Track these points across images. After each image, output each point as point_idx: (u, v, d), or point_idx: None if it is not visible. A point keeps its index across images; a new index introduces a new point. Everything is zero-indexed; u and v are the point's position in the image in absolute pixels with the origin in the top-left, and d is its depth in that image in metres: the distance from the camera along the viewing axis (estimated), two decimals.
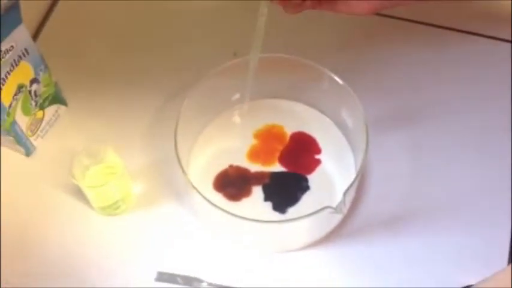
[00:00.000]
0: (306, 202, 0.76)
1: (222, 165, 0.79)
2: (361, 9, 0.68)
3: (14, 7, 0.71)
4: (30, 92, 0.78)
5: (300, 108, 0.84)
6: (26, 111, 0.78)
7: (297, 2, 0.67)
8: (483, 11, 0.93)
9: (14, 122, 0.77)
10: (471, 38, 0.91)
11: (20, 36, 0.73)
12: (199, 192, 0.70)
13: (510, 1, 0.91)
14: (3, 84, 0.73)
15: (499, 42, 0.91)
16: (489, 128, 0.83)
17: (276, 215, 0.76)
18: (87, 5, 0.95)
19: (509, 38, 0.90)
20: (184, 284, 0.73)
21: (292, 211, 0.76)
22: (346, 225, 0.76)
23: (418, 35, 0.92)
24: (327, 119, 0.82)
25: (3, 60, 0.72)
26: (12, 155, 0.82)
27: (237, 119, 0.83)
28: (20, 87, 0.76)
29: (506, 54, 0.89)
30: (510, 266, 0.61)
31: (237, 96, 0.83)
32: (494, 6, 0.93)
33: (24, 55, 0.75)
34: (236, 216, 0.69)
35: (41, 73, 0.79)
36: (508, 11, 0.90)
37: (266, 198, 0.77)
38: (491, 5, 0.93)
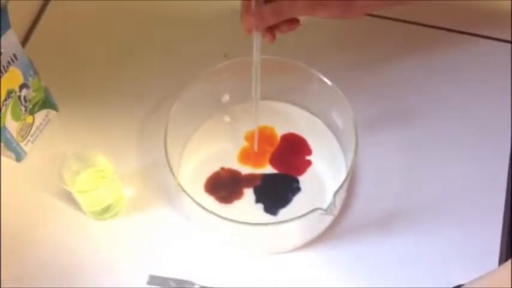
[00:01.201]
0: (298, 203, 0.76)
1: (213, 168, 0.79)
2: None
3: (2, 12, 0.71)
4: (19, 97, 0.78)
5: (290, 109, 0.84)
6: (16, 117, 0.78)
7: (284, 29, 0.69)
8: (482, 12, 0.93)
9: (3, 128, 0.77)
10: (470, 39, 0.91)
11: (8, 42, 0.73)
12: (189, 196, 0.70)
13: (510, 1, 0.91)
14: None
15: (498, 42, 0.91)
16: (484, 129, 0.83)
17: (268, 217, 0.76)
18: (76, 10, 0.95)
19: (509, 39, 0.90)
20: (176, 287, 0.72)
21: (284, 213, 0.76)
22: (338, 226, 0.76)
23: (415, 36, 0.92)
24: (318, 120, 0.82)
25: None
26: (2, 161, 0.81)
27: (227, 121, 0.83)
28: (9, 93, 0.76)
29: (506, 54, 0.89)
30: (502, 266, 0.61)
31: (228, 98, 0.83)
32: (493, 7, 0.93)
33: (13, 60, 0.75)
34: (227, 219, 0.69)
35: (30, 78, 0.79)
36: (508, 11, 0.90)
37: (257, 200, 0.77)
38: (490, 6, 0.93)
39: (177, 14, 0.95)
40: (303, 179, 0.78)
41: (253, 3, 0.66)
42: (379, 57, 0.90)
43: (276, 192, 0.77)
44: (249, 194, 0.77)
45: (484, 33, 0.91)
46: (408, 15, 0.93)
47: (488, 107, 0.85)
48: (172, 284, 0.73)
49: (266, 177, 0.79)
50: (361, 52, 0.90)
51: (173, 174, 0.72)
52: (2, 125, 0.76)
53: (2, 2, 0.71)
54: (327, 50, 0.89)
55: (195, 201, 0.70)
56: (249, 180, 0.78)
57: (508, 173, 0.80)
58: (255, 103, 0.76)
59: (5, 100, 0.76)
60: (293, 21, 0.68)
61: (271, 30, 0.69)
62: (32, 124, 0.82)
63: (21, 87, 0.78)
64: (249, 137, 0.82)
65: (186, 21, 0.95)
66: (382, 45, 0.91)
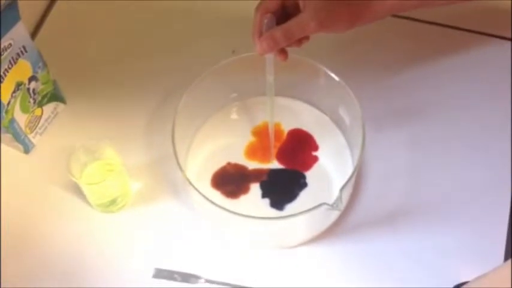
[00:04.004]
0: (304, 199, 0.77)
1: (220, 163, 0.80)
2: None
3: (12, 5, 0.71)
4: (28, 89, 0.78)
5: (297, 105, 0.84)
6: (25, 109, 0.79)
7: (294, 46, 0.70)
8: (483, 9, 0.93)
9: (12, 120, 0.77)
10: (471, 36, 0.92)
11: (18, 34, 0.74)
12: (197, 190, 0.71)
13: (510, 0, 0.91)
14: (1, 82, 0.73)
15: (499, 40, 0.91)
16: (489, 126, 0.83)
17: (274, 212, 0.76)
18: (85, 3, 0.96)
19: (510, 36, 0.90)
20: (182, 281, 0.73)
21: (290, 208, 0.76)
22: (344, 221, 0.77)
23: (417, 33, 0.92)
24: (324, 116, 0.83)
25: (1, 57, 0.72)
26: (11, 153, 0.82)
27: (234, 116, 0.83)
28: (19, 85, 0.76)
29: (506, 52, 0.89)
30: (505, 263, 0.61)
31: (235, 93, 0.83)
32: (494, 4, 0.93)
33: (22, 53, 0.75)
34: (234, 213, 0.70)
35: (39, 71, 0.79)
36: (508, 9, 0.90)
37: (264, 195, 0.77)
38: (491, 3, 0.93)
39: (185, 9, 0.95)
40: (310, 175, 0.78)
41: (264, 25, 0.67)
42: (385, 54, 0.90)
43: (282, 188, 0.78)
44: (255, 189, 0.78)
45: (485, 31, 0.92)
46: (411, 12, 0.92)
47: (490, 105, 0.85)
48: (178, 278, 0.73)
49: (272, 172, 0.79)
50: (368, 49, 0.90)
51: (180, 168, 0.72)
52: (10, 117, 0.77)
53: None
54: (335, 47, 0.89)
55: (202, 195, 0.70)
56: (255, 175, 0.79)
57: None
58: (270, 124, 0.77)
59: (14, 92, 0.76)
60: (302, 38, 0.69)
61: (283, 49, 0.70)
62: (40, 116, 0.82)
63: (30, 79, 0.78)
64: (256, 132, 0.82)
65: (194, 17, 0.95)
66: (387, 42, 0.91)
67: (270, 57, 0.70)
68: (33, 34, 0.92)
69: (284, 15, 0.69)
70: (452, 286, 0.70)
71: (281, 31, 0.67)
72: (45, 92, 0.81)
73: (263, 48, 0.68)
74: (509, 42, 0.90)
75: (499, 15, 0.92)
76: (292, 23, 0.67)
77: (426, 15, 0.93)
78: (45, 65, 0.80)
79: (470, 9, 0.92)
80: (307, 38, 0.70)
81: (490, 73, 0.88)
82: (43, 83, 0.80)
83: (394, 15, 0.92)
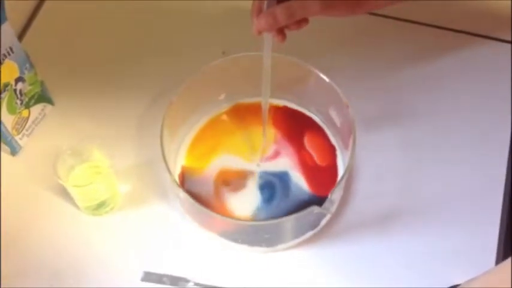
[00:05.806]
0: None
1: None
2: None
3: None
4: (15, 90, 0.77)
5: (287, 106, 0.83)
6: (11, 110, 0.78)
7: (292, 28, 0.68)
8: (482, 12, 0.93)
9: None
10: (470, 39, 0.91)
11: (5, 35, 0.73)
12: (185, 193, 0.70)
13: (510, 1, 0.90)
14: None
15: (498, 43, 0.90)
16: (484, 129, 0.83)
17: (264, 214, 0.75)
18: (73, 4, 0.95)
19: (509, 39, 0.90)
20: (171, 284, 0.72)
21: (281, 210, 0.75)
22: (335, 224, 0.76)
23: (412, 35, 0.92)
24: (315, 118, 0.82)
25: None
26: None
27: (224, 117, 0.83)
28: (5, 86, 0.75)
29: (506, 55, 0.88)
30: (497, 266, 0.61)
31: (225, 95, 0.83)
32: (494, 7, 0.92)
33: (9, 53, 0.74)
34: (222, 216, 0.69)
35: (26, 72, 0.78)
36: (508, 12, 0.90)
37: (255, 197, 0.76)
38: (490, 6, 0.92)
39: (175, 10, 0.95)
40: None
41: (265, 4, 0.66)
42: (378, 55, 0.90)
43: (273, 189, 0.77)
44: (246, 190, 0.77)
45: (484, 33, 0.91)
46: (408, 14, 0.92)
47: (487, 108, 0.85)
48: (167, 281, 0.72)
49: (263, 174, 0.78)
50: (360, 50, 0.90)
51: (169, 171, 0.71)
52: None
53: None
54: (326, 48, 0.89)
55: (190, 197, 0.69)
56: (245, 177, 0.78)
57: (506, 173, 0.79)
58: (263, 104, 0.75)
59: (1, 93, 0.75)
60: (302, 20, 0.68)
61: (281, 30, 0.68)
62: (27, 118, 0.81)
63: (17, 80, 0.77)
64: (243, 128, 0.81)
65: (184, 18, 0.94)
66: (381, 43, 0.91)
67: (268, 37, 0.68)
68: (21, 35, 0.91)
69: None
70: None
71: (282, 8, 0.65)
72: (32, 93, 0.81)
73: (261, 25, 0.65)
74: (509, 44, 0.90)
75: (499, 17, 0.92)
76: (294, 2, 0.65)
77: (423, 17, 0.92)
78: (32, 66, 0.79)
79: (469, 11, 0.92)
80: (306, 21, 0.68)
81: (488, 75, 0.87)
82: (30, 84, 0.80)
83: (389, 17, 0.92)
